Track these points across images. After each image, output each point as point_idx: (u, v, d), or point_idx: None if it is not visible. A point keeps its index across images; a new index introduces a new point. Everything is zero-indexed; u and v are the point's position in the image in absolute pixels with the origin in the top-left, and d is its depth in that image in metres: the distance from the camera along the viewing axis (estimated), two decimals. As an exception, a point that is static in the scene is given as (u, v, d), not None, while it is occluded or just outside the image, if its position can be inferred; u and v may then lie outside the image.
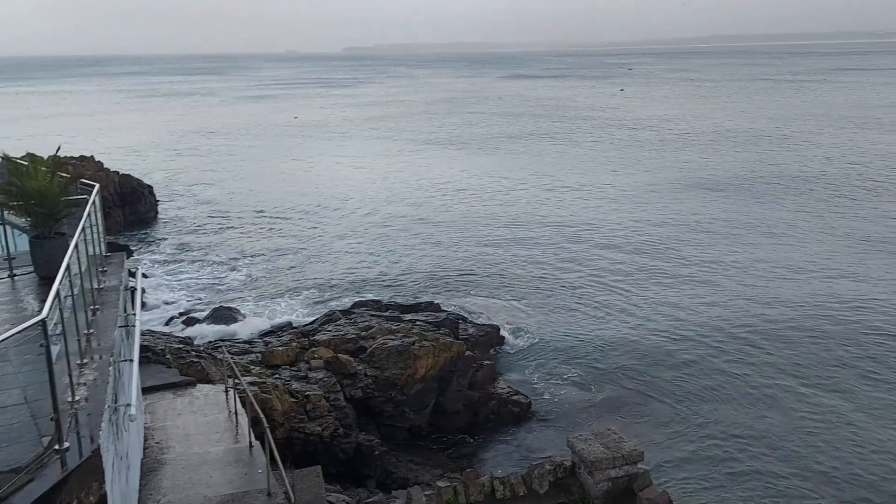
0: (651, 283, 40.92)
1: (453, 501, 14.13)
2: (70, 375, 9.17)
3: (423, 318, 31.96)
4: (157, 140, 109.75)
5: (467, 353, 29.28)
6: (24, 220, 14.26)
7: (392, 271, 44.90)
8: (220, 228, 57.18)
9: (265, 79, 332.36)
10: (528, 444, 25.74)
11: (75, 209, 13.86)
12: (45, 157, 14.20)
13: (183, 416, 16.55)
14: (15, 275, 13.63)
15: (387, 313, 32.66)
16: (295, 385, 23.70)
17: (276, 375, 24.24)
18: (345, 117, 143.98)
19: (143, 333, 22.30)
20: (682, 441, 25.15)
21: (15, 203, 13.50)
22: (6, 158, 13.78)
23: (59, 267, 9.82)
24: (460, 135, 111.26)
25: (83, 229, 12.49)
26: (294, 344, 26.99)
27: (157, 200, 63.68)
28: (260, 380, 22.89)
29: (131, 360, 12.04)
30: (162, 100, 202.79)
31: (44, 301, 8.60)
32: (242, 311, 38.08)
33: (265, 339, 29.80)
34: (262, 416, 13.39)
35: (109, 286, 13.94)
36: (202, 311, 38.53)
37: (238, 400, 16.31)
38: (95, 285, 13.37)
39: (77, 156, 60.16)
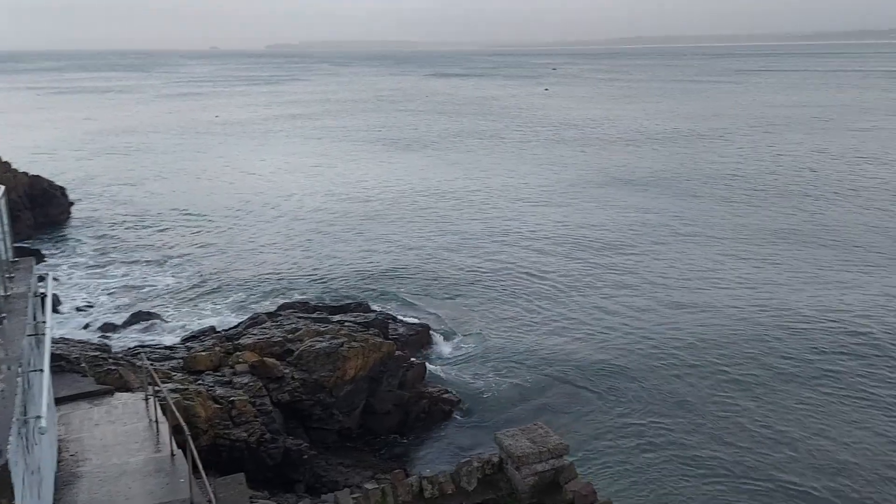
0: (578, 282, 41.72)
1: (381, 503, 14.07)
2: (-27, 388, 8.69)
3: (352, 319, 31.70)
4: (70, 139, 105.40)
5: (397, 352, 29.17)
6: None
7: (319, 272, 44.40)
8: (139, 230, 55.35)
9: (186, 76, 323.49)
10: (458, 442, 25.90)
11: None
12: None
13: (100, 427, 15.94)
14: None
15: (314, 315, 32.26)
16: (219, 391, 23.12)
17: (199, 381, 23.59)
18: (269, 116, 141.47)
19: (55, 341, 21.39)
20: (606, 433, 25.75)
21: None
22: None
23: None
24: (387, 133, 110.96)
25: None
26: (217, 348, 26.33)
27: (71, 202, 61.11)
28: (182, 386, 22.24)
29: (42, 370, 11.52)
30: (77, 97, 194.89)
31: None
32: (163, 316, 36.99)
33: (187, 344, 28.97)
34: (183, 423, 13.01)
35: (17, 293, 13.29)
36: (121, 316, 37.22)
37: (159, 408, 15.82)
38: (1, 293, 12.73)
39: (-19, 156, 57.15)
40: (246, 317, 34.18)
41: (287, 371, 25.64)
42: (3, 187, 14.43)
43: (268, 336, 27.79)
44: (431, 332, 34.70)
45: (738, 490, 22.23)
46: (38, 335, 12.57)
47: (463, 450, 24.90)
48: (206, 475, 12.36)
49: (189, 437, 12.32)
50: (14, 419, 8.86)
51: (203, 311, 38.22)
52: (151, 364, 19.05)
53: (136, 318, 36.18)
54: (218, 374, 24.68)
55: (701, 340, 33.00)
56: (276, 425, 23.61)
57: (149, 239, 52.87)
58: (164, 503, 12.65)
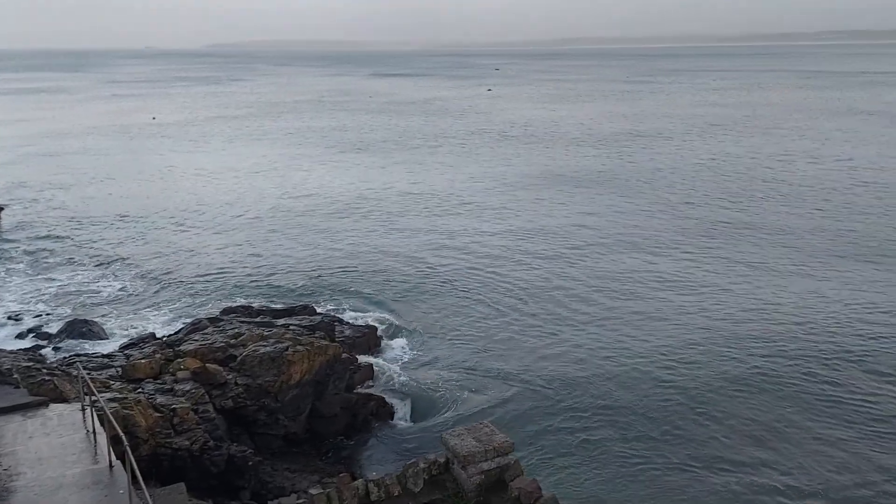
0: (524, 282, 42.10)
1: (328, 507, 13.98)
2: None
3: (298, 322, 31.36)
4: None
5: (344, 355, 29.00)
6: None
7: (263, 275, 43.80)
8: (74, 236, 53.64)
9: (121, 76, 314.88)
10: (406, 443, 25.91)
11: None
12: None
13: (35, 439, 15.45)
14: None
15: (258, 319, 31.82)
16: (160, 399, 22.62)
17: (139, 390, 23.03)
18: (208, 116, 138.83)
19: (-15, 353, 20.60)
20: (551, 429, 26.11)
21: None
22: None
23: None
24: (331, 134, 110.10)
25: None
26: (158, 356, 25.76)
27: (0, 207, 58.88)
28: (121, 395, 21.68)
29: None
30: (6, 99, 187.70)
31: None
32: (101, 323, 35.94)
33: (126, 351, 28.21)
34: (121, 433, 12.72)
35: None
36: (56, 324, 36.04)
37: (96, 418, 15.42)
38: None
39: None
40: (187, 322, 33.51)
41: (230, 377, 25.23)
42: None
43: (210, 342, 27.31)
44: (379, 333, 34.60)
45: (678, 483, 22.81)
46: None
47: (411, 451, 24.92)
48: (147, 486, 12.11)
49: (128, 448, 12.07)
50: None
51: (142, 318, 37.31)
52: (88, 373, 18.55)
53: (72, 325, 35.06)
54: (158, 381, 24.15)
55: (643, 340, 33.71)
56: (219, 432, 23.23)
57: (85, 244, 51.29)
58: (103, 516, 12.34)
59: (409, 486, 14.51)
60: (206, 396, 23.85)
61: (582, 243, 49.19)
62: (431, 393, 29.41)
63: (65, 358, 27.97)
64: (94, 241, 52.00)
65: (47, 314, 38.18)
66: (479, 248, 48.28)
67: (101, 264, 46.68)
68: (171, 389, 23.57)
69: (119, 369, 25.02)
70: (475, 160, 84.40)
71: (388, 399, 28.73)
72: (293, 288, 41.37)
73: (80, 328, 34.85)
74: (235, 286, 41.88)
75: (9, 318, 37.65)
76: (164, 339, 30.23)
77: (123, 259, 47.65)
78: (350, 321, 35.52)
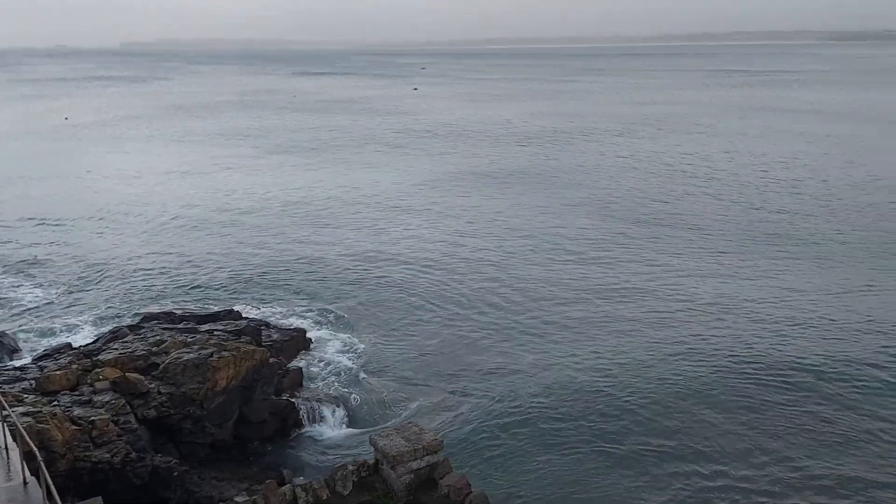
0: (452, 281, 42.25)
1: (255, 514, 13.78)
2: None
3: (222, 327, 30.69)
4: None
5: (272, 359, 28.58)
6: None
7: (185, 280, 42.66)
8: (-19, 243, 51.01)
9: (30, 75, 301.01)
10: (337, 446, 25.74)
11: None
12: None
13: (-59, 460, 14.63)
14: None
15: (181, 325, 30.99)
16: (77, 411, 21.82)
17: (55, 402, 22.15)
18: (125, 116, 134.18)
19: None
20: (481, 426, 26.33)
21: None
22: None
23: None
24: (253, 134, 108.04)
25: None
26: (74, 366, 24.81)
27: None
28: (35, 409, 20.82)
29: None
30: None
31: None
32: (12, 334, 34.30)
33: (40, 363, 27.04)
34: (35, 449, 12.22)
35: None
36: (-37, 337, 34.16)
37: (8, 434, 14.74)
38: None
39: None
40: (105, 330, 32.36)
41: (152, 386, 24.54)
42: None
43: (130, 350, 26.49)
44: (308, 336, 34.22)
45: (605, 478, 23.32)
46: None
47: (341, 454, 24.79)
48: (64, 502, 11.67)
49: (42, 463, 11.61)
50: None
51: (57, 327, 35.77)
52: (-2, 388, 17.71)
53: (-19, 338, 33.34)
54: (76, 393, 23.29)
55: (570, 339, 34.32)
56: (142, 443, 22.58)
57: (-8, 252, 48.87)
58: (17, 536, 11.83)
59: (337, 490, 14.44)
60: (128, 407, 23.15)
61: (509, 242, 49.78)
62: (362, 395, 29.30)
63: (-27, 372, 26.60)
64: (4, 247, 49.60)
65: (-47, 327, 36.22)
66: (409, 249, 48.30)
67: (11, 271, 44.55)
68: (90, 401, 22.77)
69: (33, 382, 24.00)
70: (403, 160, 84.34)
71: (318, 402, 28.46)
72: (218, 293, 40.48)
73: (-10, 340, 33.16)
74: (157, 292, 40.67)
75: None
76: (81, 348, 29.12)
77: (36, 265, 45.62)
78: (277, 325, 35.00)
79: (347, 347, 33.65)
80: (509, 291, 39.90)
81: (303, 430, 26.96)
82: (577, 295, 39.31)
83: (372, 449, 15.32)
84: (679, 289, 39.80)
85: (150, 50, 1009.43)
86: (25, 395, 22.30)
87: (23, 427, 13.53)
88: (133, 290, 40.96)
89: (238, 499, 15.17)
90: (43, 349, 31.65)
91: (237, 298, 39.37)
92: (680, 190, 65.15)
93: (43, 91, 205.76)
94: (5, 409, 14.78)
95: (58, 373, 23.96)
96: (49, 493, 11.49)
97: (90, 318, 37.00)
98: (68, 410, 21.67)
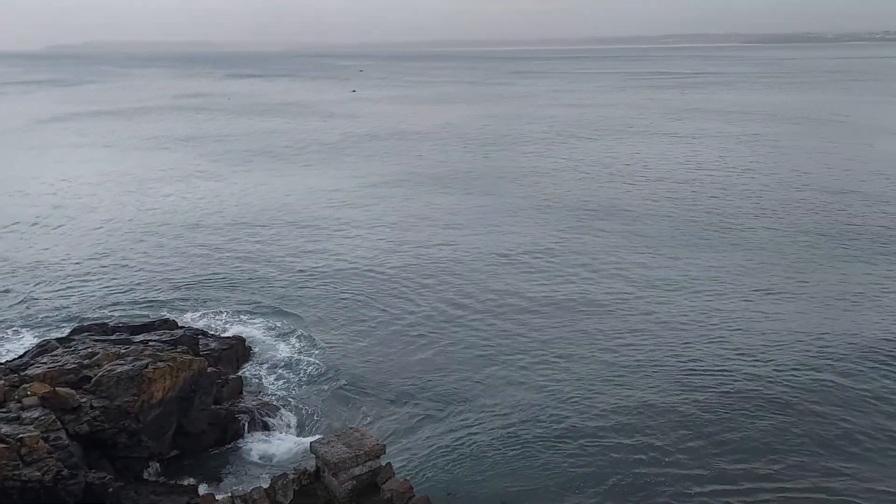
0: (394, 285, 42.15)
1: (194, 528, 13.51)
2: None
3: (158, 338, 29.95)
4: None
5: (210, 368, 28.04)
6: None
7: (117, 290, 41.44)
8: None
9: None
10: (279, 454, 25.41)
11: None
12: None
13: None
14: None
15: (114, 336, 30.12)
16: (5, 428, 20.99)
17: (-20, 421, 21.25)
18: (50, 119, 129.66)
19: None
20: (423, 430, 26.40)
21: None
22: None
23: None
24: (187, 139, 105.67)
25: None
26: (1, 382, 23.85)
27: None
28: (-42, 429, 19.93)
29: None
30: None
31: None
32: (-67, 351, 32.77)
33: (-36, 380, 25.90)
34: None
35: None
36: None
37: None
38: None
39: None
40: (33, 344, 31.17)
41: (84, 400, 23.78)
42: None
43: (60, 364, 25.62)
44: (248, 344, 33.69)
45: (548, 479, 23.58)
46: None
47: (282, 462, 24.48)
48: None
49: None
50: None
51: (-18, 343, 34.32)
52: (-83, 408, 16.90)
53: None
54: (2, 410, 22.39)
55: (514, 334, 34.73)
56: (74, 459, 21.85)
57: None
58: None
59: (278, 499, 14.28)
60: (58, 423, 22.37)
61: (453, 244, 49.94)
62: (304, 402, 29.03)
63: None
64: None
65: None
66: (351, 254, 47.92)
67: (-70, 286, 42.55)
68: (18, 418, 21.93)
69: (-45, 400, 22.96)
70: (343, 163, 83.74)
71: (258, 411, 28.05)
72: (153, 302, 39.50)
73: None
74: (88, 303, 39.43)
75: None
76: (7, 364, 28.00)
77: (-43, 279, 43.68)
78: (215, 333, 34.36)
79: (289, 355, 33.28)
80: (455, 294, 40.00)
81: (243, 440, 26.53)
82: (520, 295, 39.65)
83: (313, 456, 15.18)
84: (617, 284, 40.63)
85: (77, 53, 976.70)
86: (-53, 415, 21.35)
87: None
88: (62, 302, 39.61)
89: (175, 513, 14.82)
90: (-34, 366, 30.29)
91: (173, 307, 38.51)
92: (617, 190, 66.49)
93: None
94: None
95: (-18, 390, 22.99)
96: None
97: (16, 332, 35.62)
98: (-6, 429, 20.81)
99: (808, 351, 31.94)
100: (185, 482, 24.24)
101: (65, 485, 20.53)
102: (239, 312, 37.97)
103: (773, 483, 22.88)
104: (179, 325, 34.10)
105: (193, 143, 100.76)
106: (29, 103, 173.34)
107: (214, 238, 51.97)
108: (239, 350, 32.87)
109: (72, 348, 27.60)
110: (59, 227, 55.69)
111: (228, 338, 33.71)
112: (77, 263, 46.40)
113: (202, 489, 23.52)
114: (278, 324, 36.52)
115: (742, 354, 31.68)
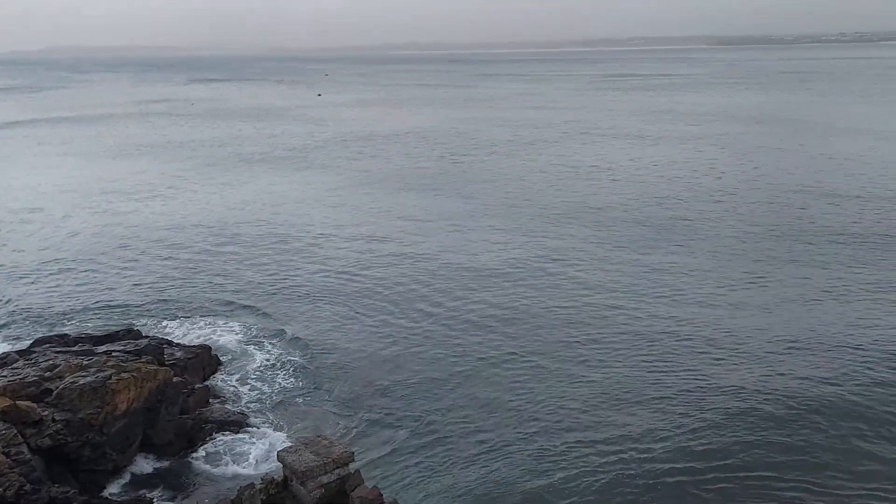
0: (360, 290, 42.00)
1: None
2: None
3: (121, 348, 29.50)
4: None
5: (176, 378, 27.71)
6: None
7: (78, 300, 40.69)
8: None
9: None
10: (246, 465, 25.15)
11: None
12: None
13: None
14: None
15: (76, 347, 29.58)
16: (-37, 445, 20.50)
17: (-62, 437, 20.74)
18: (8, 127, 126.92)
19: None
20: (392, 437, 26.31)
21: None
22: None
23: None
24: (151, 145, 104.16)
25: None
26: (-41, 397, 23.29)
27: None
28: (-86, 446, 19.42)
29: None
30: None
31: None
32: None
33: (-80, 396, 25.25)
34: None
35: None
36: None
37: None
38: None
39: None
40: (-7, 358, 30.46)
41: (46, 413, 23.33)
42: None
43: (20, 377, 25.09)
44: (214, 352, 33.30)
45: (517, 484, 23.65)
46: None
47: (250, 471, 24.26)
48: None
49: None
50: None
51: (-61, 356, 33.43)
52: None
53: None
54: (-39, 426, 21.85)
55: (486, 340, 34.77)
56: (37, 474, 21.44)
57: None
58: None
59: (247, 509, 14.15)
60: (20, 437, 21.93)
61: (421, 248, 49.90)
62: (271, 410, 28.80)
63: None
64: None
65: None
66: (321, 259, 47.63)
67: None
68: (-23, 433, 21.42)
69: (-89, 417, 22.37)
70: (309, 167, 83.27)
71: (225, 420, 27.76)
72: (116, 312, 38.89)
73: None
74: (46, 314, 38.66)
75: None
76: (-34, 378, 27.36)
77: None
78: (180, 342, 33.91)
79: (258, 363, 32.98)
80: (426, 300, 39.83)
81: (210, 450, 26.22)
82: (491, 302, 39.59)
83: (280, 465, 15.08)
84: (586, 283, 40.99)
85: (38, 59, 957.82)
86: None
87: None
88: (22, 314, 38.79)
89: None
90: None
91: (137, 317, 37.95)
92: (584, 192, 67.03)
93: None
94: None
95: (-61, 405, 22.44)
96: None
97: (-25, 345, 34.79)
98: (-48, 445, 20.33)
99: (769, 348, 32.51)
100: (152, 494, 23.91)
101: (27, 500, 20.14)
102: (208, 320, 37.56)
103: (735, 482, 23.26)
104: (144, 334, 33.63)
105: (157, 150, 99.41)
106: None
107: (182, 246, 51.28)
108: (205, 359, 32.48)
109: (32, 360, 27.07)
110: (19, 236, 54.54)
111: (194, 346, 33.28)
112: (38, 273, 45.50)
113: (169, 501, 23.23)
114: (248, 331, 36.19)
115: (704, 352, 32.16)
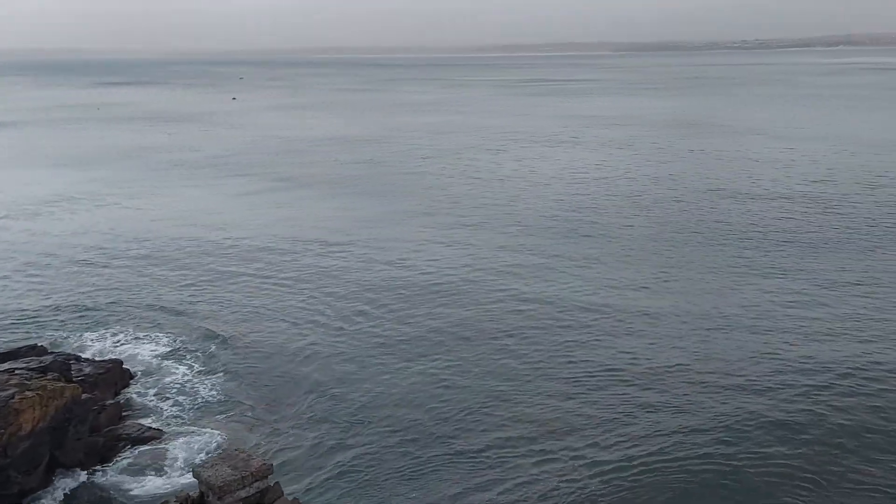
0: (282, 299, 41.19)
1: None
2: None
3: (24, 365, 28.07)
4: None
5: (85, 395, 26.61)
6: None
7: (-20, 316, 38.55)
8: None
9: None
10: (160, 482, 24.39)
11: None
12: None
13: None
14: None
15: (-26, 367, 28.00)
16: None
17: None
18: None
19: None
20: (314, 447, 25.97)
21: None
22: None
23: None
24: (58, 152, 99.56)
25: None
26: None
27: None
28: None
29: None
30: None
31: None
32: None
33: None
34: None
35: None
36: None
37: None
38: None
39: None
40: None
41: (-58, 438, 22.01)
42: None
43: (-88, 400, 23.56)
44: (126, 366, 32.12)
45: (441, 490, 23.73)
46: None
47: (165, 489, 23.55)
48: None
49: None
50: None
51: None
52: None
53: None
54: None
55: (410, 347, 34.67)
56: (-68, 504, 20.20)
57: None
58: None
59: (162, 528, 13.74)
60: (-88, 465, 20.59)
61: (341, 253, 49.44)
62: (187, 424, 28.00)
63: None
64: None
65: None
66: (239, 269, 46.35)
67: None
68: None
69: None
70: (226, 173, 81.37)
71: (139, 436, 26.87)
72: (15, 327, 36.98)
73: None
74: (-56, 332, 36.47)
75: None
76: None
77: None
78: (90, 357, 32.59)
79: (174, 376, 32.02)
80: (349, 310, 39.23)
81: (123, 467, 25.32)
82: (413, 307, 39.55)
83: (196, 482, 14.72)
84: (504, 283, 41.56)
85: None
86: None
87: None
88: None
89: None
90: None
91: (49, 332, 36.27)
92: (504, 193, 68.03)
93: None
94: None
95: None
96: None
97: None
98: None
99: (679, 333, 33.79)
100: (61, 517, 22.93)
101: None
102: (128, 334, 36.28)
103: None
104: (51, 350, 32.15)
105: (64, 158, 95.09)
106: None
107: (96, 258, 49.01)
108: (116, 374, 31.31)
109: (-74, 382, 25.47)
110: None
111: (105, 361, 32.04)
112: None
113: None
114: (169, 344, 35.14)
115: (616, 342, 33.16)
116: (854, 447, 24.84)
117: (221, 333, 35.98)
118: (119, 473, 25.08)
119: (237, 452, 14.99)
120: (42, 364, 28.47)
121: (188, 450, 25.96)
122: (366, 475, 24.10)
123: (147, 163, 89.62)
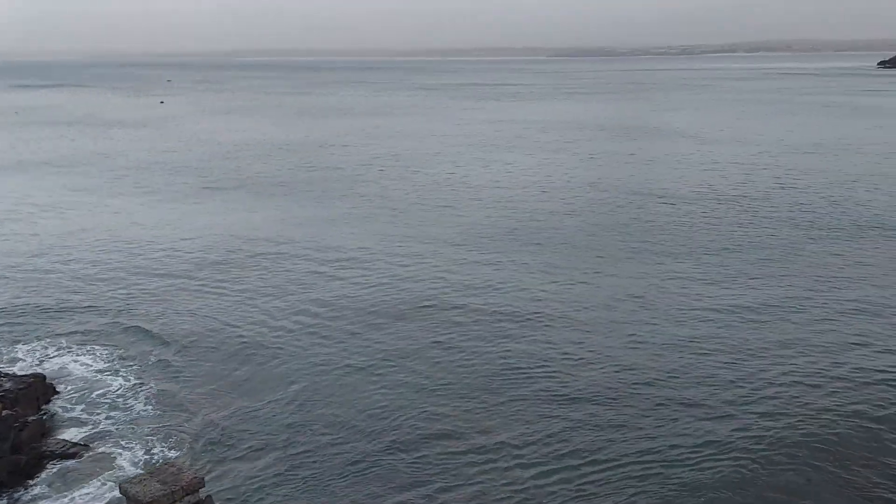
0: (224, 303, 40.33)
1: None
2: None
3: (-63, 382, 26.83)
4: None
5: (5, 411, 25.55)
6: None
7: None
8: None
9: None
10: (87, 499, 23.51)
11: None
12: None
13: None
14: None
15: None
16: None
17: None
18: None
19: None
20: (248, 458, 25.46)
21: None
22: None
23: None
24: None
25: None
26: None
27: None
28: None
29: None
30: None
31: None
32: None
33: None
34: None
35: None
36: None
37: None
38: None
39: None
40: None
41: None
42: None
43: None
44: (50, 381, 30.90)
45: (391, 495, 23.67)
46: None
47: (94, 506, 22.76)
48: None
49: None
50: None
51: None
52: None
53: None
54: None
55: (352, 353, 34.32)
56: None
57: None
58: None
59: (88, 548, 13.27)
60: None
61: (279, 258, 48.75)
62: (115, 439, 27.07)
63: None
64: None
65: None
66: (175, 277, 45.07)
67: None
68: None
69: None
70: (156, 180, 79.29)
71: (64, 453, 25.88)
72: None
73: None
74: None
75: None
76: None
77: None
78: (9, 371, 31.23)
79: (105, 388, 30.94)
80: (289, 319, 38.44)
81: (47, 486, 24.35)
82: (355, 308, 39.30)
83: (124, 498, 14.29)
84: (440, 281, 41.84)
85: None
86: None
87: None
88: None
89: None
90: None
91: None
92: (441, 196, 68.32)
93: None
94: None
95: None
96: None
97: None
98: None
99: (609, 334, 34.58)
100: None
101: None
102: (58, 347, 34.91)
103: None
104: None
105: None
106: None
107: (23, 272, 46.73)
108: (38, 388, 30.10)
109: None
110: None
111: (27, 376, 30.77)
112: None
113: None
114: (103, 356, 33.88)
115: (552, 343, 33.75)
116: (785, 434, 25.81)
117: (159, 344, 35.02)
118: (42, 492, 24.09)
119: (167, 466, 14.60)
120: (-44, 381, 27.24)
121: (115, 465, 25.15)
122: (303, 482, 23.80)
123: (72, 169, 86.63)
